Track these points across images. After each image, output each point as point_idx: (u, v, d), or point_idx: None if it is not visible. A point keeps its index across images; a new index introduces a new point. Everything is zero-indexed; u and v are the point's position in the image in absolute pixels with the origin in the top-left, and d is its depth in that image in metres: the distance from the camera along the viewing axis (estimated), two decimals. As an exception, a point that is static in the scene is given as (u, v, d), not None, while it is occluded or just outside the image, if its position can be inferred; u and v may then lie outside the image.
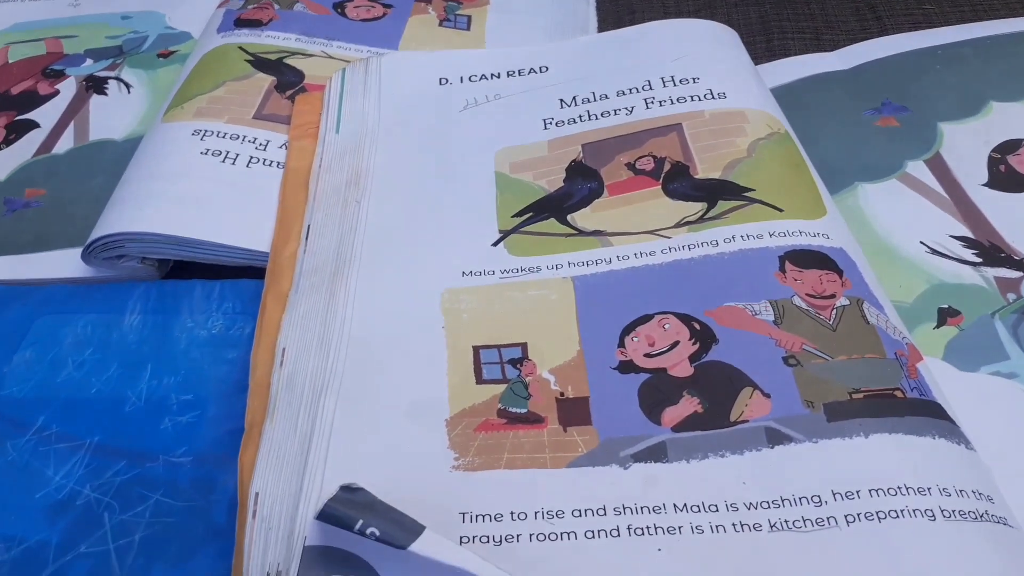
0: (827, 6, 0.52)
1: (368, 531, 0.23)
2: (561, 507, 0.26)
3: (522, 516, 0.26)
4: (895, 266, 0.36)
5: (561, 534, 0.25)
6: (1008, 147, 0.40)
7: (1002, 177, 0.39)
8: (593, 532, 0.25)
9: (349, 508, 0.24)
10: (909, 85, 0.44)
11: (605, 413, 0.29)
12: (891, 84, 0.44)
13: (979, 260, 0.36)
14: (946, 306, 0.34)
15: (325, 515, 0.24)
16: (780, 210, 0.34)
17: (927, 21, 0.50)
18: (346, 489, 0.24)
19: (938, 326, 0.33)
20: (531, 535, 0.25)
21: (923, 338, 0.33)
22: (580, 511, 0.26)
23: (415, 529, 0.23)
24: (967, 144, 0.40)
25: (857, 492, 0.25)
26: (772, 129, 0.38)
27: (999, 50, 0.45)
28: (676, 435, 0.28)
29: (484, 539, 0.25)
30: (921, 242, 0.37)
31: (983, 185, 0.39)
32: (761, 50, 0.49)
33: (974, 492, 0.26)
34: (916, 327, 0.33)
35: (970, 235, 0.37)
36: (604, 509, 0.26)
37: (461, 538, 0.25)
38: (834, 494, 0.25)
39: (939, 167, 0.40)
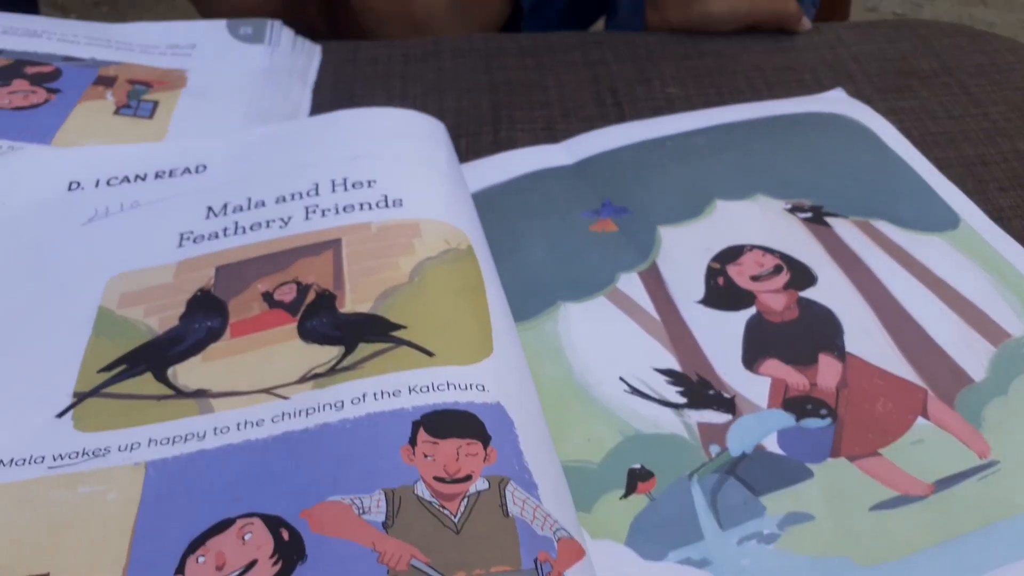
0: (565, 92, 0.47)
1: None
2: None
3: None
4: (586, 412, 0.29)
5: None
6: (729, 255, 0.35)
7: (720, 292, 0.34)
8: None
9: None
10: (632, 182, 0.39)
11: None
12: (614, 181, 0.39)
13: (683, 401, 0.30)
14: (638, 466, 0.28)
15: None
16: (431, 354, 0.27)
17: (669, 107, 0.45)
18: None
19: (626, 495, 0.27)
20: None
21: (606, 513, 0.26)
22: None
23: None
24: (685, 251, 0.35)
25: None
26: (449, 245, 0.32)
27: (730, 139, 0.41)
28: None
29: None
30: (621, 378, 0.30)
31: (699, 302, 0.33)
32: (488, 142, 0.43)
33: None
34: (601, 497, 0.27)
35: (677, 367, 0.31)
36: None
37: None
38: None
39: (653, 280, 0.34)
